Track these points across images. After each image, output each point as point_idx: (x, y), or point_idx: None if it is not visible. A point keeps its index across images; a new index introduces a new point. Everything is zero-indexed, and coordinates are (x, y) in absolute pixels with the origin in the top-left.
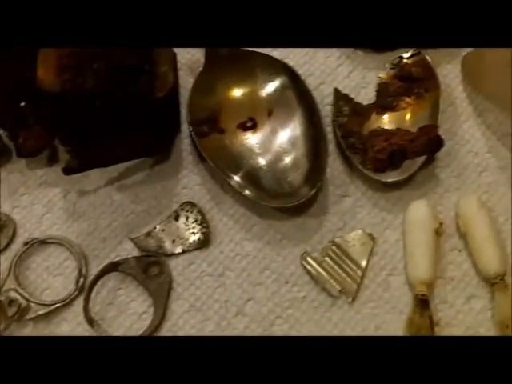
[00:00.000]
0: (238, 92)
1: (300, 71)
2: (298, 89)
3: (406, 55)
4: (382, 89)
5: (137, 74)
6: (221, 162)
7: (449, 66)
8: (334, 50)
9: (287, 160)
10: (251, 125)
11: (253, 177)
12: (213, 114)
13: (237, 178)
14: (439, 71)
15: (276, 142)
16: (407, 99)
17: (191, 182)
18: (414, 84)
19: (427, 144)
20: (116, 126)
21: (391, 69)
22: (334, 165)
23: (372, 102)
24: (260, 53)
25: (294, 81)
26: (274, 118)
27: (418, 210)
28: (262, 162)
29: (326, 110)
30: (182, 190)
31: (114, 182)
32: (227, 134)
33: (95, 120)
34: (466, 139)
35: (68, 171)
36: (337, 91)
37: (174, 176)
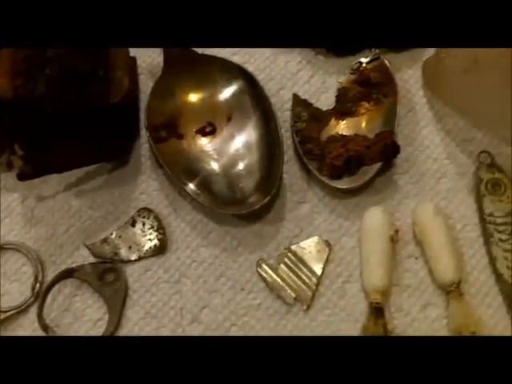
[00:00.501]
0: (197, 97)
1: (260, 76)
2: (255, 94)
3: (365, 60)
4: (342, 94)
5: (90, 78)
6: (177, 168)
7: (409, 71)
8: (294, 54)
9: (241, 167)
10: (210, 130)
11: (207, 183)
12: (171, 119)
13: (192, 185)
14: (400, 76)
15: (232, 148)
16: (366, 105)
17: (149, 187)
18: (373, 89)
19: (383, 150)
20: (70, 132)
21: (351, 74)
22: (292, 171)
23: (331, 107)
24: (219, 58)
25: (252, 86)
26: (233, 124)
27: (374, 217)
28: (216, 168)
29: (285, 115)
30: (140, 196)
31: (72, 188)
32: (186, 139)
33: (48, 125)
34: (425, 145)
35: (22, 177)
36: (296, 96)
37: (132, 181)
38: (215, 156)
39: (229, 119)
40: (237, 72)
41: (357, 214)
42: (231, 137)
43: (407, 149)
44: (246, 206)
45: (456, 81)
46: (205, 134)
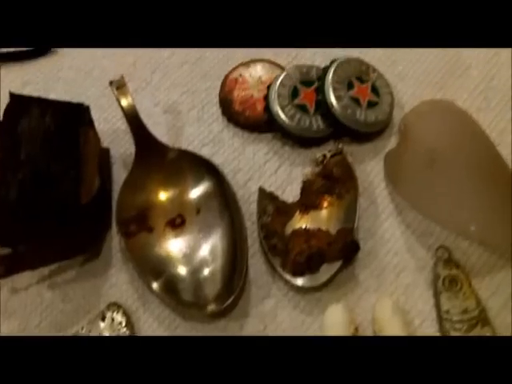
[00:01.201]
0: (167, 189)
1: (229, 167)
2: (223, 189)
3: (328, 154)
4: (306, 186)
5: (62, 179)
6: (146, 264)
7: (372, 163)
8: (262, 145)
9: (206, 271)
10: (180, 222)
11: (172, 284)
12: (142, 212)
13: (157, 284)
14: (363, 168)
15: (199, 247)
16: (329, 198)
17: (119, 281)
18: (336, 184)
19: (343, 249)
20: (42, 231)
21: (316, 166)
22: (257, 265)
23: (297, 199)
24: (188, 151)
25: (220, 181)
26: (202, 216)
27: (334, 315)
28: (182, 270)
29: (252, 207)
30: (110, 290)
31: (46, 280)
32: (156, 232)
33: (19, 227)
34: (386, 238)
35: None
36: (261, 190)
37: (102, 275)
38: (182, 256)
39: (198, 211)
40: (205, 167)
41: (319, 310)
42: (200, 231)
43: (369, 242)
44: (211, 308)
45: (414, 176)
46: (175, 227)
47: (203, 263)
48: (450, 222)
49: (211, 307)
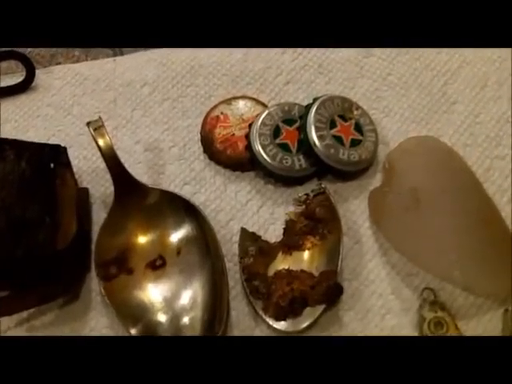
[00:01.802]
0: (147, 231)
1: (210, 207)
2: (203, 231)
3: (311, 194)
4: (289, 226)
5: (38, 226)
6: (125, 308)
7: (356, 201)
8: (244, 183)
9: (185, 319)
10: (160, 263)
11: (151, 331)
12: (122, 254)
13: (135, 330)
14: (346, 206)
15: (181, 292)
16: (312, 239)
17: (99, 324)
18: (319, 224)
19: (326, 292)
20: (18, 279)
21: (299, 206)
22: (240, 307)
23: (279, 239)
24: (169, 192)
25: (201, 223)
26: (182, 258)
27: None
28: (162, 316)
29: (234, 248)
30: (90, 333)
31: (24, 324)
32: (136, 274)
33: None
34: (371, 279)
35: None
36: (243, 230)
37: (82, 318)
38: (162, 301)
39: (178, 253)
40: (185, 208)
41: None
42: (180, 273)
43: (353, 284)
44: None
45: (397, 217)
46: (155, 268)
47: (183, 310)
48: (434, 267)
49: None
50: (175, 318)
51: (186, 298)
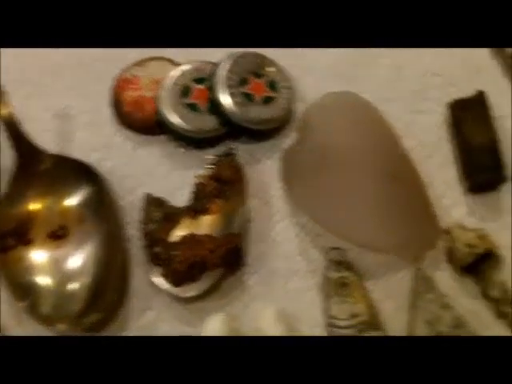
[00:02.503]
0: (49, 200)
1: (119, 173)
2: (102, 199)
3: (220, 155)
4: (199, 190)
5: None
6: (16, 279)
7: (269, 162)
8: (154, 148)
9: (72, 286)
10: (63, 233)
11: (36, 299)
12: (21, 225)
13: (22, 301)
14: (259, 167)
15: (74, 260)
16: (219, 202)
17: None
18: (226, 186)
19: (225, 255)
20: None
21: (209, 168)
22: (141, 276)
23: (188, 204)
24: (71, 158)
25: (100, 190)
26: (84, 228)
27: (213, 326)
28: (48, 283)
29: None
30: None
31: None
32: (35, 245)
33: None
34: (278, 241)
35: None
36: (148, 196)
37: None
38: (53, 269)
39: (81, 222)
40: (88, 173)
41: (202, 320)
42: (79, 243)
43: (259, 246)
44: (62, 327)
45: (305, 176)
46: (56, 238)
47: (71, 277)
48: (336, 227)
49: (62, 326)
50: (62, 284)
51: (76, 264)
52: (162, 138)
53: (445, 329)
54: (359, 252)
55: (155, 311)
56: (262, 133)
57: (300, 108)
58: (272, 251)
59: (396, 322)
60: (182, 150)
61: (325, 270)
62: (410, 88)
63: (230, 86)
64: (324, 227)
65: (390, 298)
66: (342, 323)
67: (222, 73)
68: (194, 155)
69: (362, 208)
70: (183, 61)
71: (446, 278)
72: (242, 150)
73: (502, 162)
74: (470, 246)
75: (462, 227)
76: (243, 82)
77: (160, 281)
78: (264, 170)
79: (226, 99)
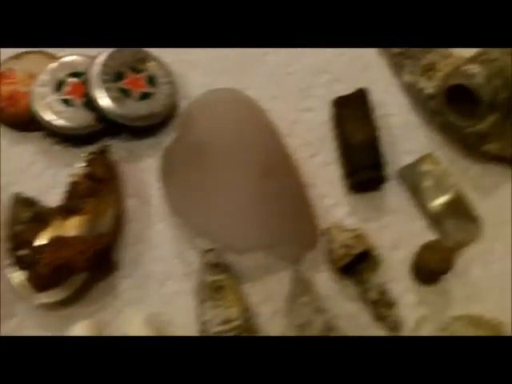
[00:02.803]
0: None
1: None
2: None
3: (94, 152)
4: (72, 189)
5: None
6: None
7: (149, 160)
8: (29, 145)
9: None
10: None
11: None
12: None
13: None
14: (139, 166)
15: None
16: (93, 201)
17: None
18: (100, 185)
19: (93, 258)
20: None
21: (84, 166)
22: (5, 280)
23: (60, 204)
24: None
25: None
26: None
27: (78, 334)
28: None
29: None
30: None
31: None
32: None
33: None
34: (154, 243)
35: None
36: (17, 195)
37: None
38: None
39: None
40: None
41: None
42: None
43: (136, 248)
44: None
45: (180, 175)
46: None
47: None
48: (204, 228)
49: None
50: None
51: None
52: (39, 134)
53: (316, 334)
54: (234, 255)
55: (17, 319)
56: (141, 129)
57: (184, 104)
58: (148, 254)
59: (273, 327)
60: (58, 147)
61: (200, 273)
62: (296, 85)
63: (104, 81)
64: (197, 230)
65: (268, 300)
66: (215, 329)
67: (97, 67)
68: (70, 152)
69: (236, 207)
70: (63, 54)
71: (325, 280)
72: (122, 147)
73: (383, 161)
74: (346, 246)
75: (339, 227)
76: (119, 76)
77: (23, 285)
78: (144, 168)
79: (100, 94)
